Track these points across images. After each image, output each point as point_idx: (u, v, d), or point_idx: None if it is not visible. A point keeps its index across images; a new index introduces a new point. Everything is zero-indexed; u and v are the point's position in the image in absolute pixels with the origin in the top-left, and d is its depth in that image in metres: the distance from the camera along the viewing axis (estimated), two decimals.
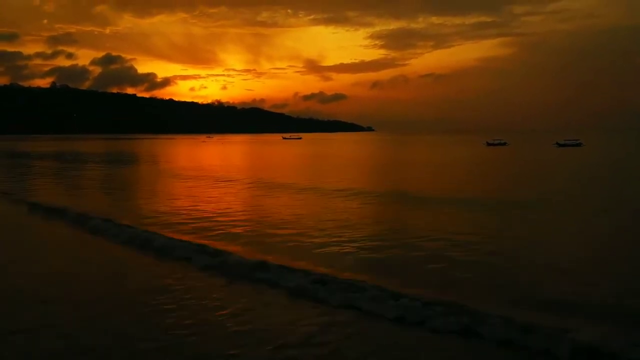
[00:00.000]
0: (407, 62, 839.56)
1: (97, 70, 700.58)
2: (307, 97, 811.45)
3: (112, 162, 57.55)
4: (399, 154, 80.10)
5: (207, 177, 34.44)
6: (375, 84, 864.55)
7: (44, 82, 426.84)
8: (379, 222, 18.64)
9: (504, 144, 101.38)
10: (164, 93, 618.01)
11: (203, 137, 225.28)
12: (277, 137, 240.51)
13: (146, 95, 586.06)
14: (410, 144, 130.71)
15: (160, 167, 48.89)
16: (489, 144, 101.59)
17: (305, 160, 60.52)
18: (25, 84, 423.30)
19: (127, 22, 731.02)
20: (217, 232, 16.36)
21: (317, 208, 21.39)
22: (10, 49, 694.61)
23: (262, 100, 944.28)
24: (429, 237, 15.30)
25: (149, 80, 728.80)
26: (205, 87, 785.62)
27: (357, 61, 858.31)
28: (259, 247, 14.12)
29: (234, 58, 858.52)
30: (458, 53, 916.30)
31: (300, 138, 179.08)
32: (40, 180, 35.53)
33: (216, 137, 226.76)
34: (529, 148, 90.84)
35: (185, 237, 15.06)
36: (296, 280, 10.58)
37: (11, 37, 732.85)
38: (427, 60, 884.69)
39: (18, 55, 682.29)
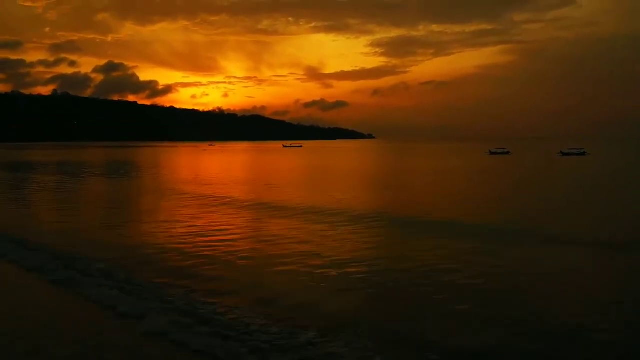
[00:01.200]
0: (407, 69, 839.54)
1: (99, 77, 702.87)
2: (308, 105, 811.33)
3: (99, 175, 55.22)
4: (401, 164, 78.77)
5: (199, 196, 32.70)
6: (376, 92, 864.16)
7: (46, 90, 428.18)
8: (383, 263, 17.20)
9: (507, 152, 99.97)
10: (166, 100, 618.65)
11: (204, 145, 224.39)
12: (278, 144, 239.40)
13: (147, 102, 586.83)
14: (411, 154, 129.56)
15: (154, 181, 47.50)
16: (491, 153, 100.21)
17: (304, 173, 59.13)
18: (28, 91, 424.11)
19: (129, 29, 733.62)
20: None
21: (314, 237, 19.83)
22: (13, 56, 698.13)
23: (263, 108, 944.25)
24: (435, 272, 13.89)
25: (151, 88, 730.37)
26: (207, 95, 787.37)
27: (357, 69, 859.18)
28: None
29: (235, 65, 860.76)
30: (458, 61, 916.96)
31: (300, 146, 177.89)
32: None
33: (218, 145, 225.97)
34: (532, 157, 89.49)
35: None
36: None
37: (14, 45, 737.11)
38: (427, 67, 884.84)
39: (21, 63, 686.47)
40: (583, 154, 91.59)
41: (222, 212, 25.20)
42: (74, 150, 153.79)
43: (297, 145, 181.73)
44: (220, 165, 73.43)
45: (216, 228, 20.36)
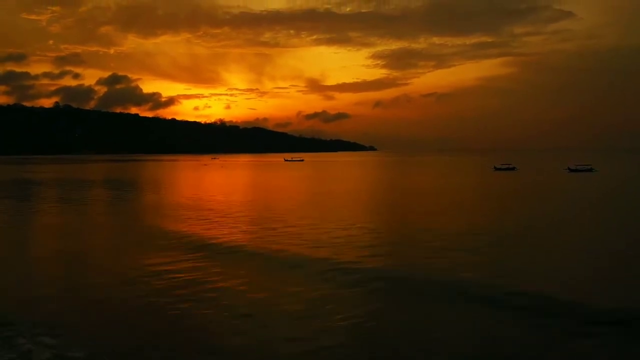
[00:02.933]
0: (408, 81, 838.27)
1: (102, 90, 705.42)
2: (310, 116, 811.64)
3: (80, 202, 53.61)
4: (404, 183, 76.20)
5: (185, 243, 30.14)
6: (377, 103, 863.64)
7: (49, 102, 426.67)
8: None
9: (513, 168, 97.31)
10: (168, 112, 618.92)
11: (206, 158, 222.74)
12: (279, 157, 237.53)
13: (150, 114, 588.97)
14: (414, 169, 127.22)
15: (141, 205, 45.09)
16: (496, 169, 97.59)
17: (303, 196, 56.57)
18: (32, 103, 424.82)
19: (132, 42, 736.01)
20: None
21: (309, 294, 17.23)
22: (18, 69, 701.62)
23: (265, 119, 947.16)
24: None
25: (154, 100, 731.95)
26: (209, 107, 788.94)
27: (359, 80, 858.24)
28: None
29: (237, 77, 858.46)
30: (459, 73, 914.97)
31: (302, 160, 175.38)
32: None
33: (221, 158, 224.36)
34: (539, 174, 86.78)
35: None
36: None
37: (19, 58, 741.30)
38: (428, 79, 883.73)
39: (26, 75, 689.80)
40: (591, 170, 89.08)
41: (196, 261, 22.64)
42: (67, 165, 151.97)
43: (299, 159, 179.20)
44: (216, 186, 70.99)
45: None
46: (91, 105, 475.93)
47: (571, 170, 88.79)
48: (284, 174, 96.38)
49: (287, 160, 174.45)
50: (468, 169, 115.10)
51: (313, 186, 65.15)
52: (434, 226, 28.92)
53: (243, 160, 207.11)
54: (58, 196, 53.00)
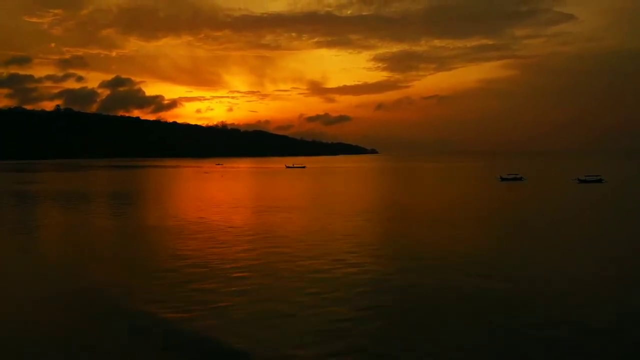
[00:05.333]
0: (409, 84, 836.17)
1: (105, 92, 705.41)
2: (311, 119, 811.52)
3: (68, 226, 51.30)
4: (408, 201, 74.07)
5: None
6: (379, 106, 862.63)
7: (51, 105, 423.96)
8: None
9: (520, 179, 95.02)
10: (171, 115, 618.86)
11: (208, 164, 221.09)
12: (281, 162, 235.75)
13: (153, 117, 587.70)
14: (416, 178, 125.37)
15: (127, 228, 42.93)
16: (502, 179, 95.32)
17: (306, 217, 54.36)
18: (34, 106, 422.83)
19: (133, 45, 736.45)
20: None
21: None
22: (22, 72, 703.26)
23: (267, 122, 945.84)
24: None
25: (156, 103, 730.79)
26: (211, 109, 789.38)
27: (360, 83, 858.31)
28: None
29: (238, 80, 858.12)
30: (460, 75, 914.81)
31: (304, 167, 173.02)
32: None
33: (225, 163, 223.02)
34: (548, 185, 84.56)
35: None
36: None
37: (23, 61, 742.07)
38: (429, 82, 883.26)
39: (30, 78, 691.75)
40: (600, 181, 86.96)
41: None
42: (68, 173, 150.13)
43: (300, 165, 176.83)
44: (211, 202, 68.87)
45: None
46: (94, 108, 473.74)
47: (580, 181, 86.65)
48: (283, 187, 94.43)
49: (288, 167, 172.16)
50: (473, 177, 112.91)
51: (313, 206, 62.98)
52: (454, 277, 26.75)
53: (244, 166, 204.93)
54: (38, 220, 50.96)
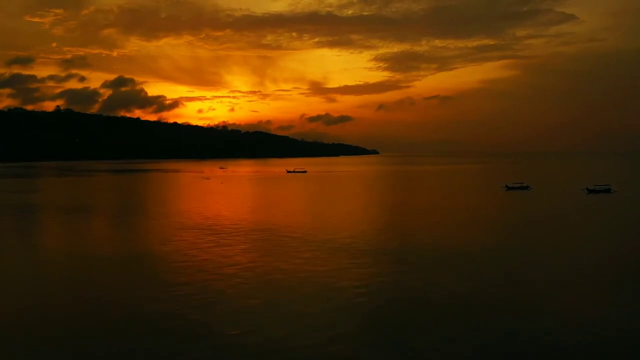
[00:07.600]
0: (411, 84, 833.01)
1: (107, 92, 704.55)
2: (313, 119, 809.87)
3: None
4: (410, 217, 71.98)
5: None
6: (380, 106, 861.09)
7: (55, 105, 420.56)
8: None
9: (527, 187, 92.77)
10: (172, 115, 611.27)
11: (210, 167, 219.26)
12: (282, 164, 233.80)
13: (154, 117, 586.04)
14: (420, 185, 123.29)
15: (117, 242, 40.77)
16: (508, 188, 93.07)
17: (308, 235, 52.27)
18: (37, 106, 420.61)
19: (135, 45, 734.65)
20: None
21: None
22: (24, 72, 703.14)
23: (268, 122, 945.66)
24: None
25: (158, 103, 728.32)
26: (213, 109, 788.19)
27: (361, 83, 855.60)
28: None
29: (239, 80, 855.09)
30: (461, 75, 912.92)
31: (305, 171, 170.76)
32: None
33: (227, 165, 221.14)
34: (556, 196, 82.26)
35: None
36: None
37: (26, 61, 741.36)
38: (431, 82, 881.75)
39: (32, 78, 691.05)
40: (609, 190, 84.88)
41: None
42: (60, 179, 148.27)
43: (301, 170, 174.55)
44: (208, 216, 66.85)
45: None
46: (96, 108, 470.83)
47: (589, 191, 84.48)
48: (284, 198, 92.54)
49: (289, 172, 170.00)
50: (477, 185, 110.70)
51: (314, 218, 60.95)
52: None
53: (245, 170, 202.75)
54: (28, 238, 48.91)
